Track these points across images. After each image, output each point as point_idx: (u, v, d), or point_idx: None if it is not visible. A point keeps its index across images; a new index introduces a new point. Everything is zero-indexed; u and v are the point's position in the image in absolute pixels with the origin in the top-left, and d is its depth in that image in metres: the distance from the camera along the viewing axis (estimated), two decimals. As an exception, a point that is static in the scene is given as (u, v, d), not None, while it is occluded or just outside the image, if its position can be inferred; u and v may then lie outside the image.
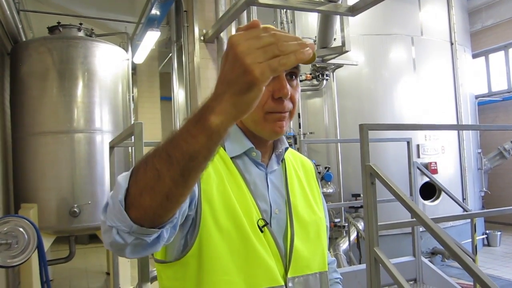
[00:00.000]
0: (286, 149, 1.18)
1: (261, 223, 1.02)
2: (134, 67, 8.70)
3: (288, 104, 1.02)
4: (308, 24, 7.05)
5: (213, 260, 0.98)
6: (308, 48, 0.64)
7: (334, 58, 6.34)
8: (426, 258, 4.85)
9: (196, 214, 0.98)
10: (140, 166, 0.75)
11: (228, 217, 1.00)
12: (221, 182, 1.03)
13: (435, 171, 6.84)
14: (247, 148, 1.08)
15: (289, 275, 1.05)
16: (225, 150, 1.09)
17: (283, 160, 1.18)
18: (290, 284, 1.05)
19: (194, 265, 0.99)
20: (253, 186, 1.07)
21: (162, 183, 0.71)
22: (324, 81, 7.00)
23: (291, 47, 0.63)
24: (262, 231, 1.02)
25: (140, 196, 0.74)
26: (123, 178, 0.78)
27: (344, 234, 6.26)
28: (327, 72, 6.89)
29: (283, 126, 1.04)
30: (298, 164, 1.26)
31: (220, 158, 1.07)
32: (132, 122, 6.48)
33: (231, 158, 1.08)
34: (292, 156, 1.27)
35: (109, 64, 5.70)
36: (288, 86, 0.99)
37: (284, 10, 6.50)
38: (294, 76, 1.05)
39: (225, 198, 1.01)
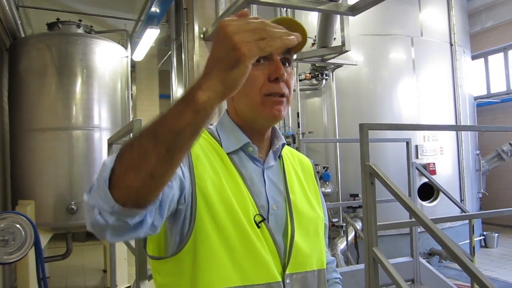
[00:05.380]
0: (283, 145, 1.17)
1: (258, 218, 1.01)
2: (133, 65, 8.67)
3: (284, 87, 1.04)
4: (308, 23, 7.04)
5: (208, 255, 0.97)
6: (293, 37, 0.68)
7: (333, 57, 6.34)
8: (423, 259, 4.86)
9: (191, 209, 0.97)
10: (126, 146, 0.76)
11: (224, 212, 0.99)
12: (217, 177, 1.02)
13: (433, 172, 6.84)
14: (243, 143, 1.08)
15: (287, 272, 1.04)
16: (221, 146, 1.09)
17: (280, 156, 1.18)
18: (287, 281, 1.03)
19: (189, 261, 0.97)
20: (249, 181, 1.06)
21: (147, 160, 0.72)
22: (324, 81, 7.00)
23: (278, 33, 0.68)
24: (259, 227, 1.01)
25: (124, 174, 0.74)
26: (109, 159, 0.78)
27: (342, 234, 6.26)
28: (326, 72, 6.89)
29: (281, 110, 1.05)
30: (296, 161, 1.26)
31: (216, 154, 1.07)
32: (131, 119, 6.46)
33: (227, 154, 1.08)
34: (290, 153, 1.26)
35: (108, 61, 5.68)
36: (283, 67, 1.03)
37: (285, 8, 6.49)
38: (287, 63, 1.07)
39: (222, 193, 1.00)
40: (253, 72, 1.04)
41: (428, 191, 6.97)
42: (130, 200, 0.75)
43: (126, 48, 6.70)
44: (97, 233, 0.81)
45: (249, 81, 1.05)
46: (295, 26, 1.03)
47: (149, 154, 0.71)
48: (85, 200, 0.80)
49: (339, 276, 1.33)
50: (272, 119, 1.07)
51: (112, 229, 0.79)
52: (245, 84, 1.06)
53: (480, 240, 8.04)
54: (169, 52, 7.46)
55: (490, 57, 10.39)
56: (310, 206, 1.18)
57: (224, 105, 1.21)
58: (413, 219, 2.12)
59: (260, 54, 0.68)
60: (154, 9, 5.99)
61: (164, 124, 0.71)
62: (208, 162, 1.03)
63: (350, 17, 5.28)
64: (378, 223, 2.26)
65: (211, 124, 1.17)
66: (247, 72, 0.70)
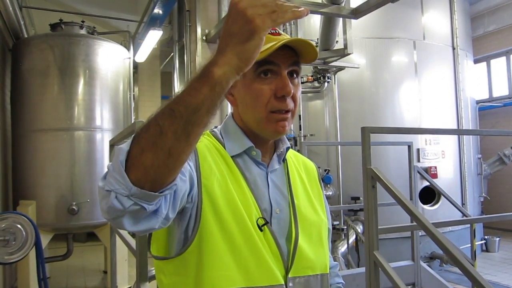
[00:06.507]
0: (288, 148, 1.17)
1: (261, 222, 1.02)
2: (136, 66, 8.69)
3: (290, 103, 1.03)
4: (311, 26, 7.04)
5: (212, 255, 0.97)
6: (303, 8, 0.72)
7: (336, 60, 6.33)
8: (424, 262, 4.84)
9: (196, 209, 0.97)
10: (142, 128, 0.76)
11: (229, 213, 0.99)
12: (223, 179, 1.03)
13: (435, 176, 6.82)
14: (246, 147, 1.08)
15: (290, 275, 1.04)
16: (225, 149, 1.09)
17: (285, 160, 1.18)
18: (290, 284, 1.04)
19: (194, 260, 0.98)
20: (253, 185, 1.06)
21: (164, 138, 0.72)
22: (326, 83, 6.99)
23: (288, 6, 0.71)
24: (261, 230, 1.01)
25: (141, 154, 0.74)
26: (125, 144, 0.78)
27: (343, 237, 6.24)
28: (328, 75, 6.88)
29: (285, 126, 1.05)
30: (300, 165, 1.25)
31: (221, 157, 1.07)
32: (133, 121, 6.47)
33: (231, 157, 1.08)
34: (294, 157, 1.26)
35: (110, 62, 5.69)
36: (290, 84, 1.01)
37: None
38: (295, 75, 1.06)
39: (227, 194, 1.01)
40: (260, 86, 1.02)
41: (430, 195, 6.96)
42: (148, 181, 0.75)
43: (128, 49, 6.71)
44: (113, 220, 0.80)
45: (256, 95, 1.03)
46: (307, 46, 1.03)
47: (166, 131, 0.72)
48: (100, 186, 0.79)
49: (342, 281, 1.33)
50: (276, 135, 1.08)
51: (129, 215, 0.79)
52: (251, 98, 1.05)
53: (481, 244, 8.01)
54: (172, 54, 7.47)
55: (492, 61, 10.38)
56: (314, 211, 1.17)
57: (225, 108, 1.21)
58: (414, 223, 2.12)
59: (272, 26, 0.70)
60: (157, 10, 6.01)
61: (181, 102, 0.72)
62: (214, 163, 1.04)
63: (353, 20, 5.29)
64: (379, 227, 2.26)
65: (216, 127, 1.17)
66: (261, 44, 0.72)
